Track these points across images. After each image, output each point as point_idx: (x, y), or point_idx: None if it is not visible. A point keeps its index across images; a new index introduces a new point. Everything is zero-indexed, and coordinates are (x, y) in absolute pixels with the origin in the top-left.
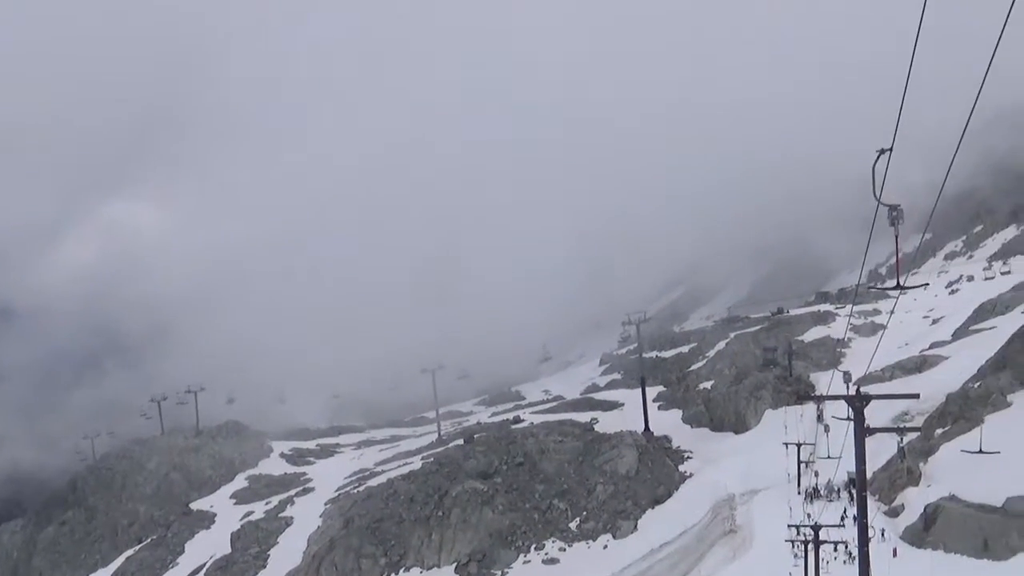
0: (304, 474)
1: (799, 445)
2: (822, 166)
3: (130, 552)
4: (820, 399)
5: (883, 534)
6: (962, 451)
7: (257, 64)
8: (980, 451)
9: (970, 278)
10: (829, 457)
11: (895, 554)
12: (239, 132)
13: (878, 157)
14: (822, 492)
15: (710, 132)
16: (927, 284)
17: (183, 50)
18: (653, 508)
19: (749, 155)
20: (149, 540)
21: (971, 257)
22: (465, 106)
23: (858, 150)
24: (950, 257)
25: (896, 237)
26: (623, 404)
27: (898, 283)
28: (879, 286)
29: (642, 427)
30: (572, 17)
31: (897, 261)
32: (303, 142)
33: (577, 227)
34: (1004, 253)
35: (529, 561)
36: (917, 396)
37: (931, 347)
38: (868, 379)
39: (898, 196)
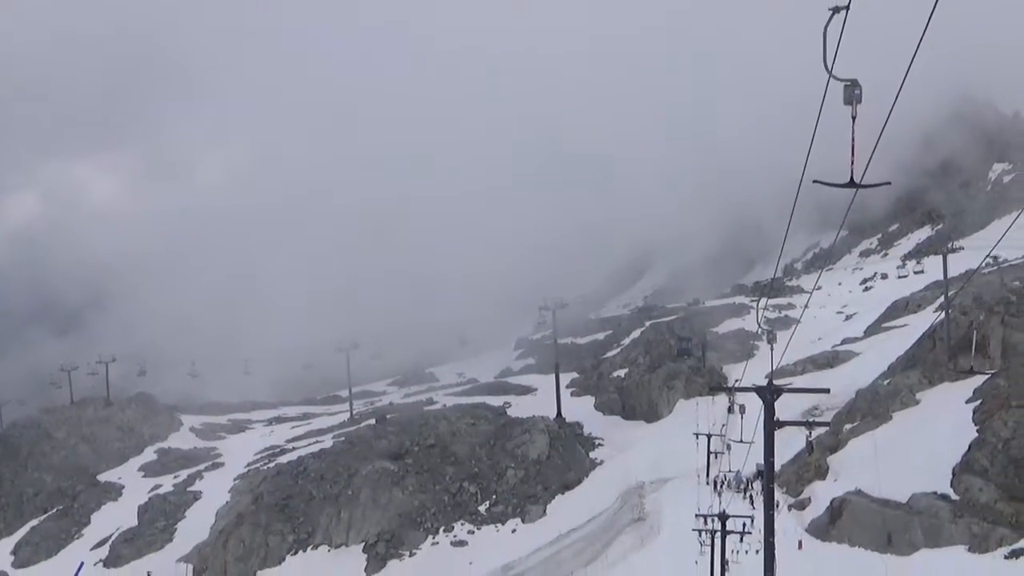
0: (214, 449)
1: (709, 436)
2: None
3: (35, 522)
4: (731, 390)
5: (781, 506)
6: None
7: (221, 29)
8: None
9: (884, 276)
10: (730, 471)
11: (800, 546)
12: (191, 103)
13: (831, 17)
14: (731, 483)
15: (663, 108)
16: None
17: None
18: (563, 494)
19: (702, 131)
20: (55, 510)
21: (886, 255)
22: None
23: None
24: (865, 254)
25: (852, 120)
26: (536, 389)
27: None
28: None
29: (555, 413)
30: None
31: (852, 153)
32: (248, 121)
33: (506, 206)
34: (918, 252)
35: (437, 543)
36: (827, 391)
37: (843, 343)
38: (780, 373)
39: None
